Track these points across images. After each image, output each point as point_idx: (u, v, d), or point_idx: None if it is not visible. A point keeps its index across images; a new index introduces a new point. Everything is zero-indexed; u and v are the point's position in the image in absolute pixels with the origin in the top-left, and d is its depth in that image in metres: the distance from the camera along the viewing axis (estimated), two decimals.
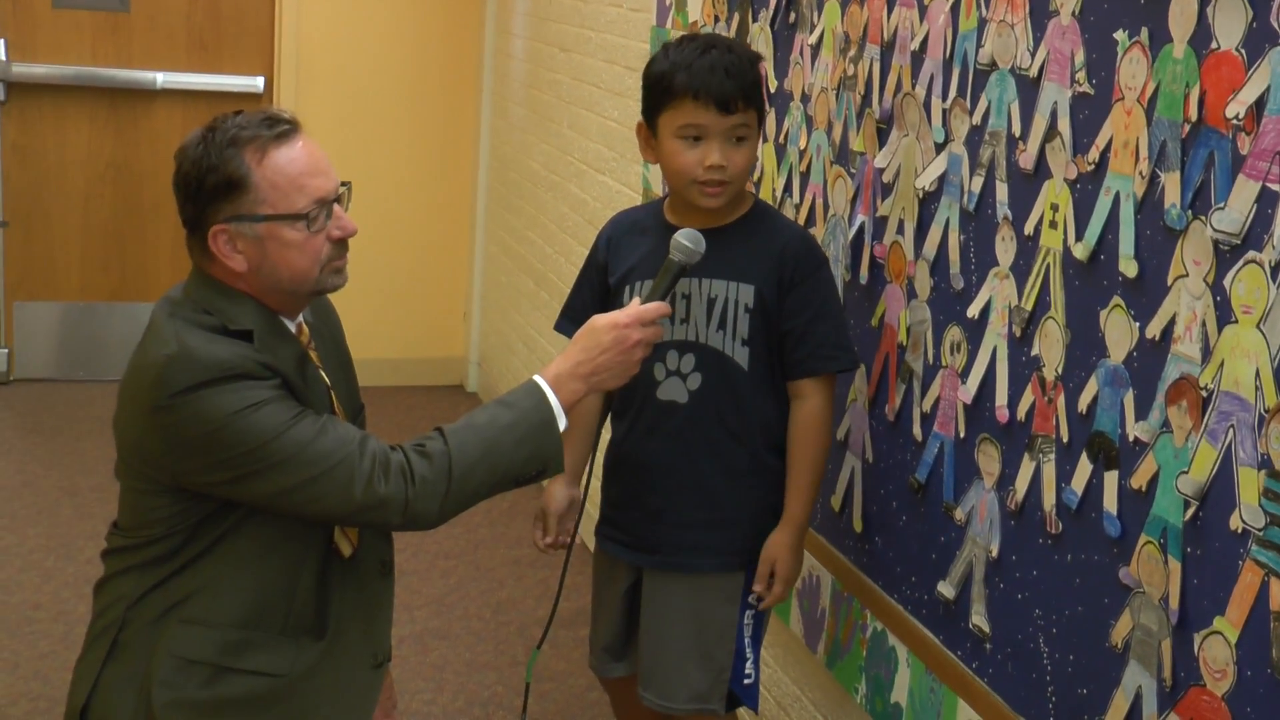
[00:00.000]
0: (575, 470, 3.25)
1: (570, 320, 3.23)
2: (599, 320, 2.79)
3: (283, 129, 2.64)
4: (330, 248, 2.68)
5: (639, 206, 3.30)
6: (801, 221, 3.46)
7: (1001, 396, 2.68)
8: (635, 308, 2.80)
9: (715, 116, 2.95)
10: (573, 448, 3.22)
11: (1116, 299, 2.35)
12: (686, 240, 2.87)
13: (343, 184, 2.72)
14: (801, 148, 3.50)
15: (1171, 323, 2.21)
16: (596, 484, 3.39)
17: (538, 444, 2.68)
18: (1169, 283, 2.22)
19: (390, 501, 2.57)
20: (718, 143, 2.96)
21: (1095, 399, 2.40)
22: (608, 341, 2.74)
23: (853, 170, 3.26)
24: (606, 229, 3.27)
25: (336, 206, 2.69)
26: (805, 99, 3.47)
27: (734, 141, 2.97)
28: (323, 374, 2.76)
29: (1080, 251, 2.44)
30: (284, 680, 2.69)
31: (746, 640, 3.14)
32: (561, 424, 2.70)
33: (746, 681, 3.15)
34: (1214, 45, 2.13)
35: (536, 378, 2.73)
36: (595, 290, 3.21)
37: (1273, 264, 2.01)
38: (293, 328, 2.73)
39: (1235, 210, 2.07)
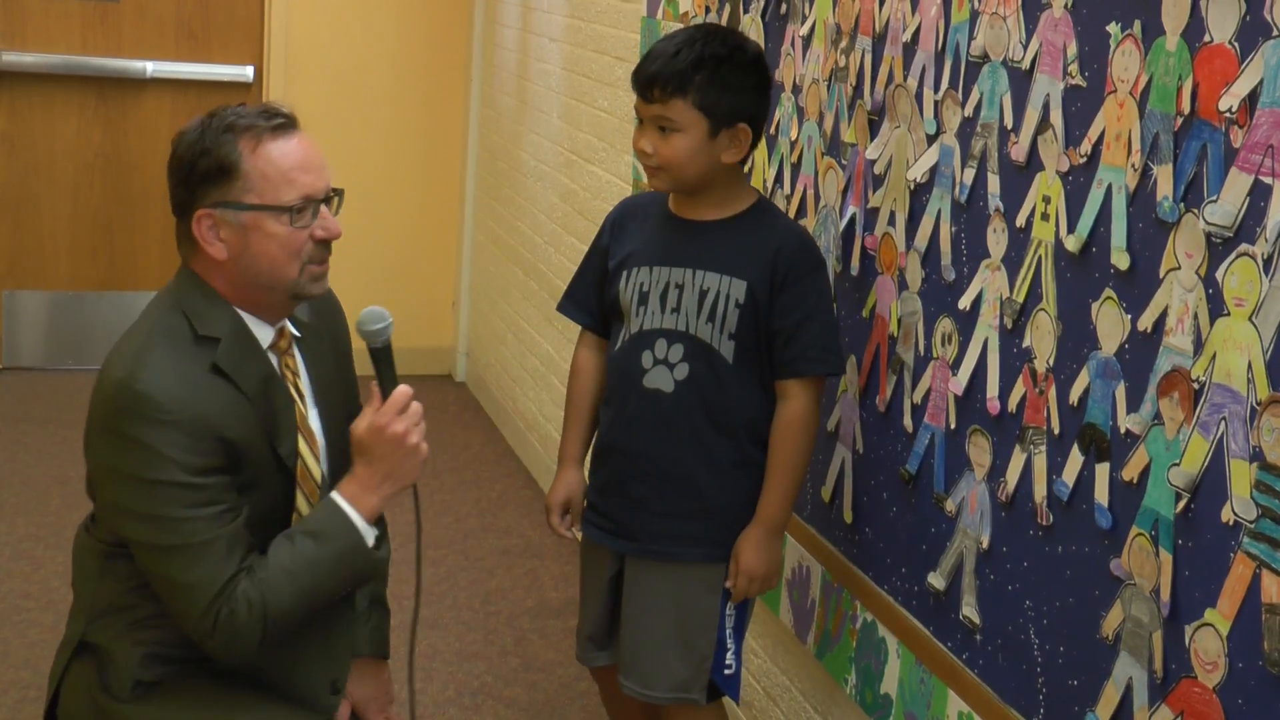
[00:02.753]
0: (582, 456, 3.29)
1: (572, 302, 3.28)
2: (360, 431, 2.68)
3: (280, 122, 2.64)
4: (313, 247, 2.66)
5: (646, 193, 3.30)
6: (792, 213, 3.46)
7: (993, 388, 2.68)
8: (383, 406, 2.69)
9: (640, 102, 3.01)
10: (576, 433, 3.28)
11: (1108, 291, 2.35)
12: (369, 325, 2.74)
13: (335, 190, 2.70)
14: (792, 139, 3.50)
15: (1163, 315, 2.22)
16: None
17: (351, 568, 2.67)
18: (1161, 275, 2.23)
19: (213, 650, 2.60)
20: (646, 128, 3.01)
21: (1086, 391, 2.41)
22: (383, 449, 2.66)
23: (844, 161, 3.26)
24: (613, 213, 3.30)
25: (324, 208, 2.67)
26: (796, 90, 3.47)
27: (659, 130, 2.98)
28: (294, 391, 2.73)
29: (1072, 244, 2.44)
30: (242, 702, 2.71)
31: (728, 631, 3.15)
32: (370, 540, 2.66)
33: (727, 672, 3.16)
34: (1207, 38, 2.13)
35: (338, 499, 2.66)
36: (597, 274, 3.23)
37: (1265, 256, 2.01)
38: (271, 334, 2.71)
39: (1228, 203, 2.08)
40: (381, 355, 2.72)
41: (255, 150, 2.60)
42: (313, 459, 2.73)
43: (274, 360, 2.72)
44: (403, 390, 2.69)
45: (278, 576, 2.59)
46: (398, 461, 2.67)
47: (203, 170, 2.60)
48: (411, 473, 2.71)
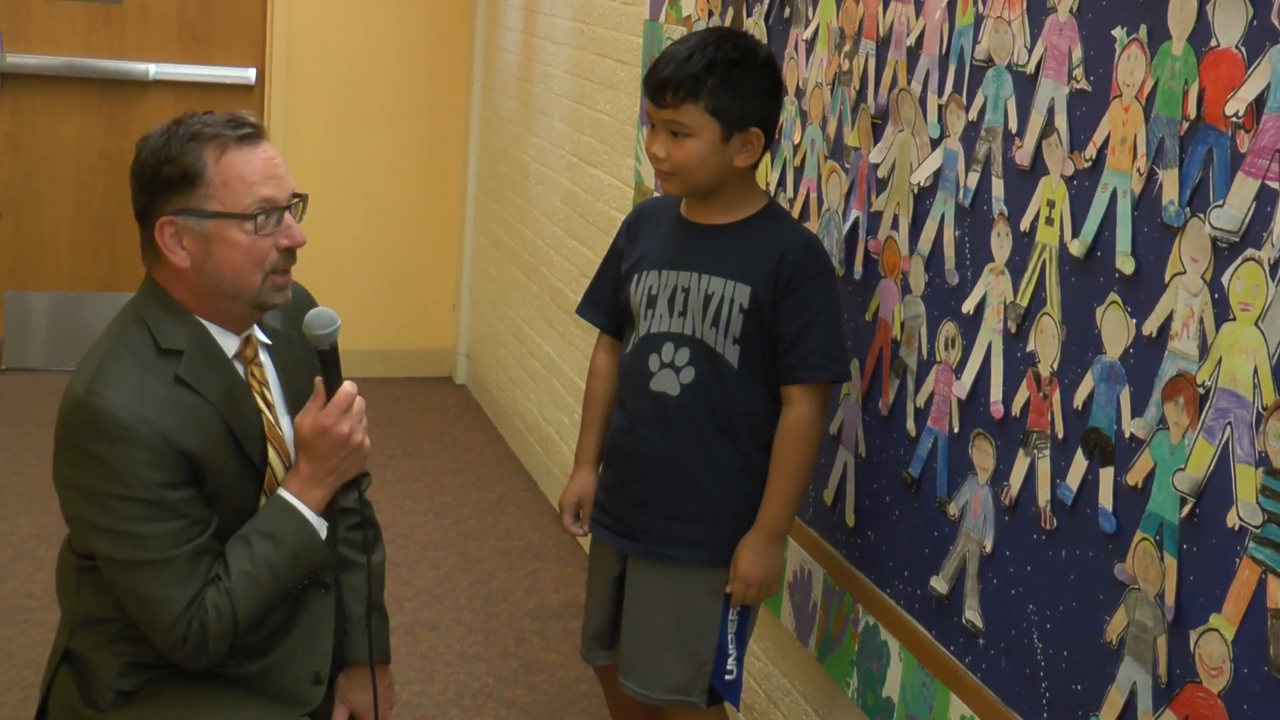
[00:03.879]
0: (597, 458, 3.30)
1: (591, 304, 3.30)
2: (305, 430, 2.68)
3: (245, 131, 2.62)
4: (276, 256, 2.64)
5: (662, 197, 3.31)
6: (795, 216, 3.46)
7: (996, 392, 2.68)
8: (326, 406, 2.69)
9: (652, 107, 3.02)
10: (591, 435, 3.30)
11: (1113, 295, 2.35)
12: (315, 329, 2.71)
13: (297, 195, 2.69)
14: (795, 142, 3.50)
15: (1169, 320, 2.22)
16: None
17: (307, 562, 2.69)
18: (1166, 280, 2.23)
19: (183, 661, 2.61)
20: (659, 133, 3.01)
21: (1091, 395, 2.41)
22: (325, 448, 2.68)
23: (847, 165, 3.26)
24: (629, 216, 3.32)
25: (288, 216, 2.66)
26: (800, 94, 3.47)
27: (672, 135, 2.99)
28: (261, 400, 2.73)
29: (1077, 248, 2.44)
30: (219, 702, 2.71)
31: (730, 636, 3.14)
32: (322, 533, 2.69)
33: (728, 677, 3.16)
34: (1213, 43, 2.13)
35: (287, 496, 2.68)
36: (614, 277, 3.25)
37: (1272, 261, 2.01)
38: (236, 344, 2.70)
39: (1234, 208, 2.08)
40: (328, 357, 2.71)
41: (219, 159, 2.58)
42: (282, 467, 2.73)
43: (240, 369, 2.71)
44: (346, 389, 2.70)
45: (242, 583, 2.61)
46: (341, 459, 2.70)
47: (166, 177, 2.58)
48: (355, 468, 2.74)
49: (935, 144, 2.90)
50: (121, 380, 2.56)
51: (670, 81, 2.96)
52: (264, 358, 2.77)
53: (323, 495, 2.70)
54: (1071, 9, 2.47)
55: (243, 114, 2.67)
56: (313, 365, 2.79)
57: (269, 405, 2.73)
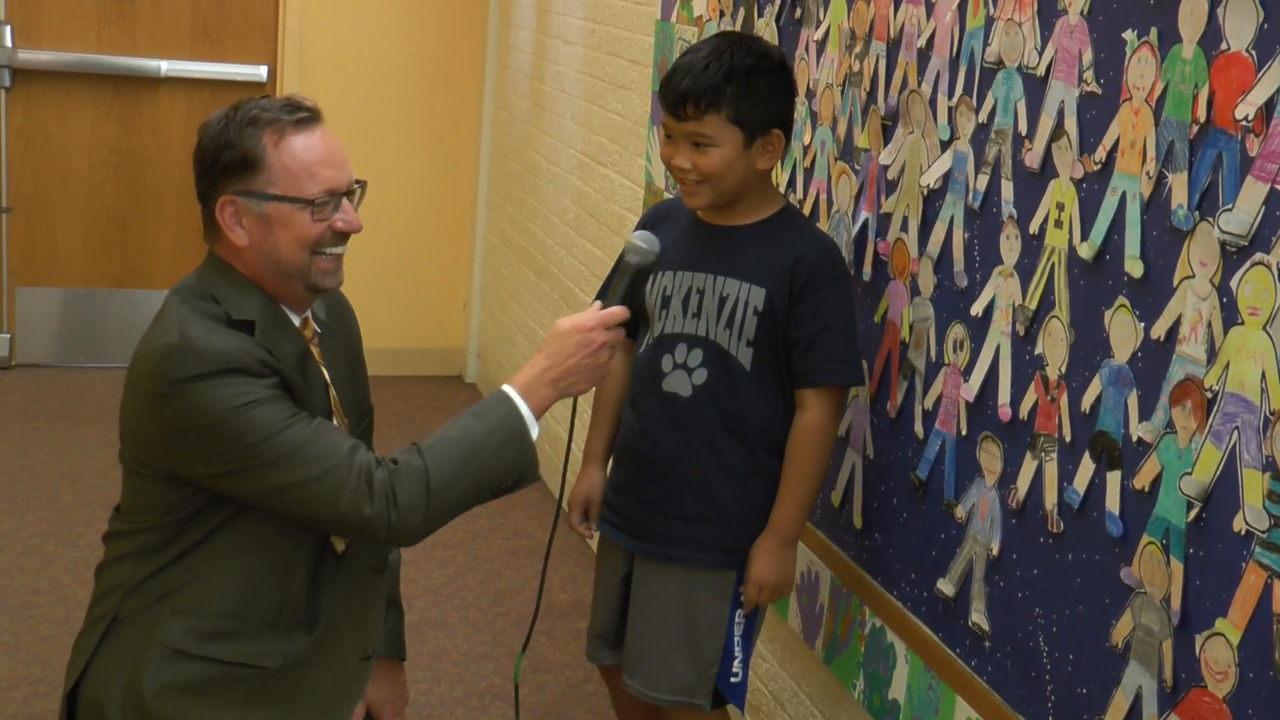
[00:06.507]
0: (606, 456, 3.30)
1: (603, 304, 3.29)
2: (564, 324, 2.76)
3: (303, 116, 2.66)
4: (330, 236, 2.68)
5: (676, 198, 3.31)
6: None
7: (1004, 395, 2.68)
8: (596, 311, 2.78)
9: (671, 120, 2.99)
10: (600, 433, 3.30)
11: (1121, 299, 2.35)
12: (640, 241, 2.89)
13: (357, 182, 2.72)
14: (806, 143, 3.50)
15: (1177, 323, 2.21)
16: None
17: (512, 455, 2.67)
18: (1174, 283, 2.22)
19: (374, 522, 2.57)
20: (680, 144, 3.00)
21: (1099, 399, 2.40)
22: (573, 346, 2.72)
23: (857, 167, 3.26)
24: (645, 217, 3.31)
25: (346, 201, 2.70)
26: (810, 95, 3.47)
27: (694, 145, 2.98)
28: (324, 371, 2.75)
29: (1085, 251, 2.44)
30: (273, 672, 2.69)
31: (736, 638, 3.14)
32: (534, 433, 2.68)
33: (733, 680, 3.15)
34: (1224, 46, 2.13)
35: (506, 387, 2.71)
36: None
37: None
38: (297, 322, 2.73)
39: (1243, 212, 2.08)
40: (627, 271, 2.86)
41: (278, 144, 2.62)
42: None
43: None
44: (618, 311, 2.77)
45: (438, 445, 2.62)
46: (578, 363, 2.73)
47: (226, 162, 2.62)
48: (582, 384, 2.76)
49: (945, 146, 2.89)
50: (209, 328, 2.58)
51: (690, 93, 2.95)
52: (317, 342, 2.79)
53: (546, 397, 2.72)
54: (1082, 11, 2.46)
55: (299, 98, 2.71)
56: (350, 360, 2.87)
57: (328, 384, 2.76)
